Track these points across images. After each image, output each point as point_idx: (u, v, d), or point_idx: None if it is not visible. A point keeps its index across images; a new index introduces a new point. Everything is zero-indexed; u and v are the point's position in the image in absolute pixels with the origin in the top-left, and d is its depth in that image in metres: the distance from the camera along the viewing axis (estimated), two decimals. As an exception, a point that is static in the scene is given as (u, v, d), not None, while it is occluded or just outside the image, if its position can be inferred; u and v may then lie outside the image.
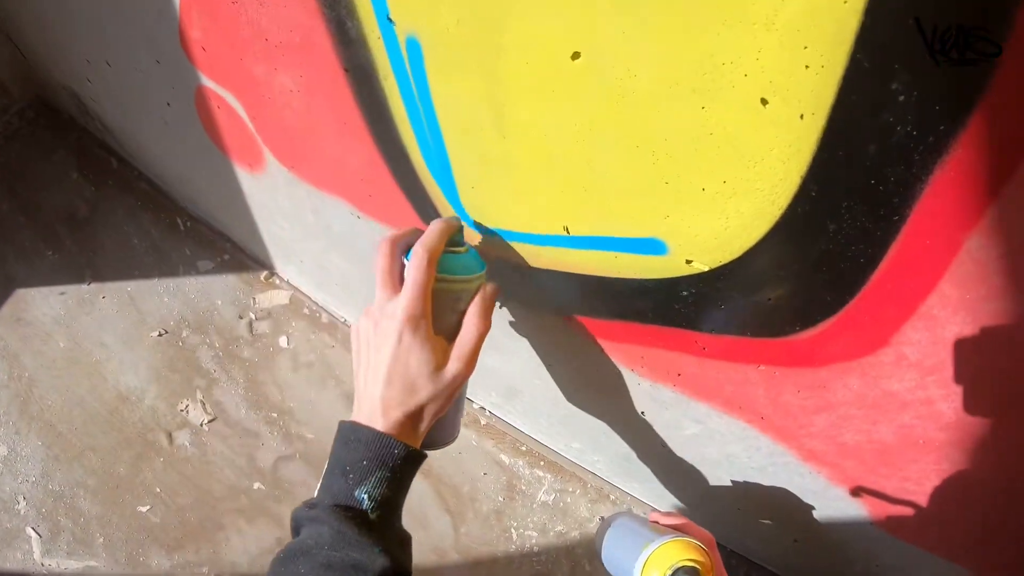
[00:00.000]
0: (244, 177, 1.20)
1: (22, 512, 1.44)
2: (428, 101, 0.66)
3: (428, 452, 0.71)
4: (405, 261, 0.66)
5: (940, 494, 0.79)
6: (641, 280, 0.70)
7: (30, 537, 1.43)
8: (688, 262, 0.63)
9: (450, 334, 0.68)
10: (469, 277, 0.68)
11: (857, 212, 0.49)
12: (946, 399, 0.64)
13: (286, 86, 0.82)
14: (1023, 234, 0.46)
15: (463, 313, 0.68)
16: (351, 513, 0.60)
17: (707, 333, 0.73)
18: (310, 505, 0.63)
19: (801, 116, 0.44)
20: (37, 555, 1.42)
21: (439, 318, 0.67)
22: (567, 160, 0.60)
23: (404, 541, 0.66)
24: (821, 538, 1.10)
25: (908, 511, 0.86)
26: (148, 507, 1.45)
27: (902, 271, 0.53)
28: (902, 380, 0.65)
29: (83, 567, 1.41)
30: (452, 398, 0.68)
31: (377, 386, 0.65)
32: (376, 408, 0.64)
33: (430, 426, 0.68)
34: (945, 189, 0.45)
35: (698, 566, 0.70)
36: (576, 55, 0.50)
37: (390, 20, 0.59)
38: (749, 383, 0.78)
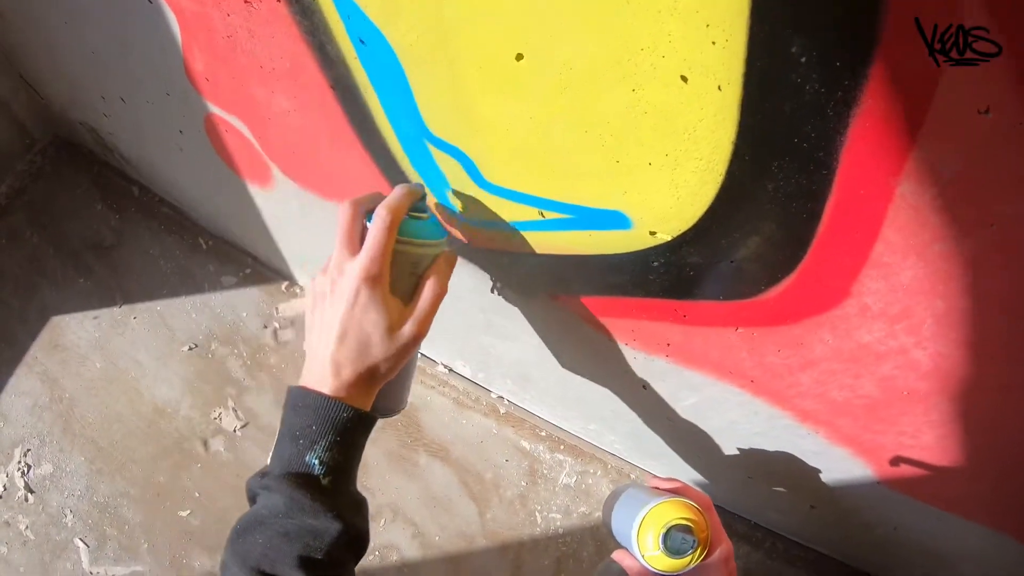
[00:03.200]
0: (256, 193, 1.26)
1: (69, 524, 1.51)
2: (414, 108, 0.70)
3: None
4: (368, 224, 0.65)
5: (939, 447, 0.80)
6: (615, 255, 0.73)
7: (78, 547, 1.49)
8: (652, 233, 0.67)
9: (407, 297, 0.67)
10: (430, 242, 0.68)
11: (789, 170, 0.53)
12: (919, 346, 0.65)
13: (283, 107, 0.87)
14: (948, 175, 0.48)
15: (421, 277, 0.68)
16: (303, 479, 0.60)
17: (684, 300, 0.77)
18: (262, 474, 0.63)
19: (719, 87, 0.48)
20: (86, 564, 1.48)
21: (397, 281, 0.66)
22: (531, 150, 0.64)
23: (359, 505, 0.66)
24: (836, 503, 1.11)
25: (911, 467, 0.87)
26: (188, 512, 1.52)
27: (844, 222, 0.55)
28: (871, 330, 0.66)
29: (129, 572, 1.47)
30: (404, 360, 0.67)
31: (330, 345, 0.63)
32: (327, 368, 0.63)
33: (379, 388, 0.67)
34: (864, 138, 0.47)
35: (691, 524, 0.73)
36: (519, 56, 0.54)
37: (362, 41, 0.64)
38: (732, 347, 0.81)
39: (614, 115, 0.55)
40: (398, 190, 0.66)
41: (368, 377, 0.65)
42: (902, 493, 0.97)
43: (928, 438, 0.79)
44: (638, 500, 0.79)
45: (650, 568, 0.74)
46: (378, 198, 0.66)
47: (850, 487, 1.02)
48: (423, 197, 0.68)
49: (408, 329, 0.65)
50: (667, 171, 0.58)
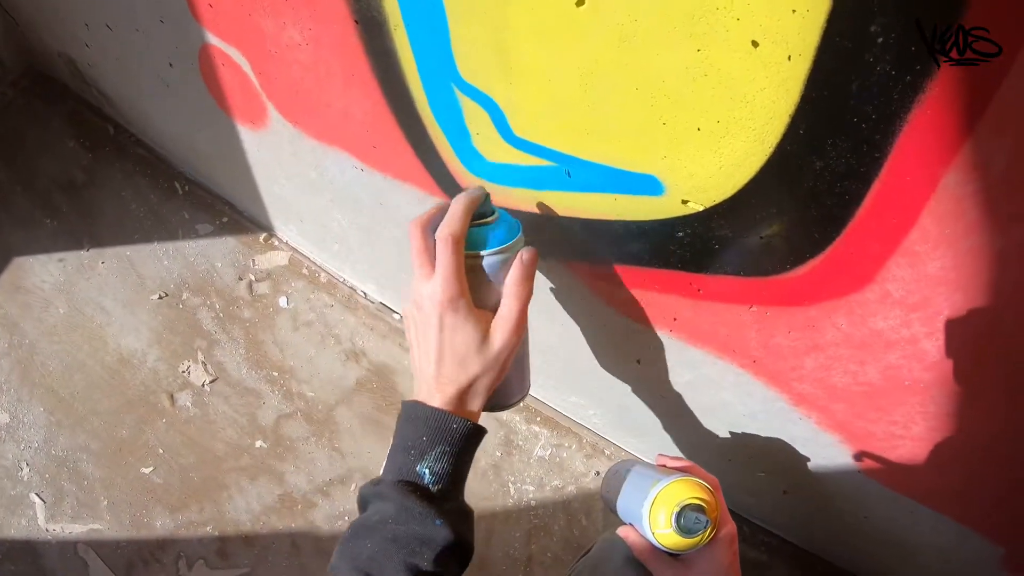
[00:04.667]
0: (246, 135, 1.21)
1: (26, 478, 1.46)
2: (448, 49, 0.67)
3: (503, 412, 0.74)
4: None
5: (927, 439, 0.81)
6: (639, 222, 0.72)
7: (34, 503, 1.45)
8: (684, 202, 0.65)
9: (494, 305, 0.69)
10: (500, 248, 0.68)
11: (841, 149, 0.52)
12: (930, 337, 0.66)
13: (295, 40, 0.83)
14: (996, 169, 0.48)
15: (503, 283, 0.69)
16: (413, 488, 0.63)
17: (702, 274, 0.75)
18: (375, 482, 0.66)
19: (789, 57, 0.47)
20: (41, 520, 1.44)
21: (480, 291, 0.68)
22: (570, 104, 0.62)
23: (467, 515, 0.68)
24: (811, 488, 1.12)
25: (896, 458, 0.88)
26: (151, 468, 1.48)
27: (885, 207, 0.55)
28: (887, 318, 0.66)
29: (87, 530, 1.43)
30: (505, 367, 0.69)
31: (430, 366, 0.67)
32: (432, 386, 0.67)
33: (487, 397, 0.69)
34: (923, 126, 0.47)
35: (704, 504, 0.72)
36: (581, 1, 0.52)
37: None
38: (742, 325, 0.80)
39: (672, 74, 0.53)
40: (456, 205, 0.66)
41: (471, 391, 0.68)
42: (881, 483, 0.98)
43: (919, 429, 0.80)
44: (648, 477, 0.78)
45: (658, 545, 0.74)
46: (442, 213, 0.68)
47: (831, 474, 1.03)
48: (486, 199, 0.69)
49: (498, 339, 0.67)
50: (715, 138, 0.56)
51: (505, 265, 0.69)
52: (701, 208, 0.65)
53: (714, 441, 1.16)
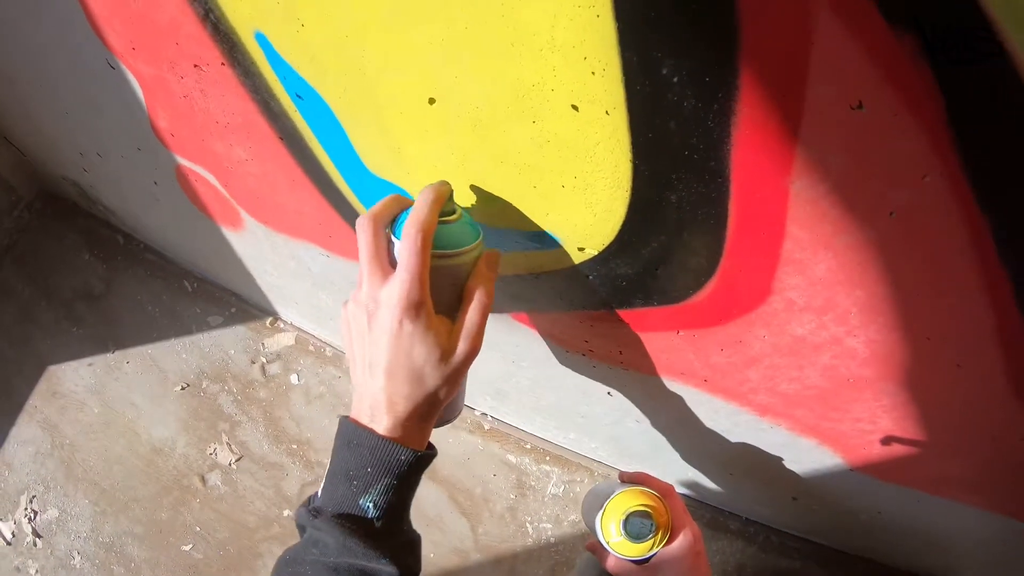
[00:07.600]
0: (231, 236, 1.30)
1: (78, 566, 1.56)
2: (352, 152, 0.73)
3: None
4: (393, 238, 0.59)
5: (897, 429, 0.81)
6: (553, 272, 0.77)
7: (88, 588, 1.53)
8: (581, 249, 0.70)
9: (451, 311, 0.61)
10: (467, 248, 0.61)
11: (687, 180, 0.55)
12: (851, 335, 0.66)
13: (241, 157, 0.91)
14: (836, 170, 0.49)
15: (463, 287, 0.62)
16: (355, 523, 0.57)
17: (624, 309, 0.80)
18: (313, 511, 0.59)
19: (607, 112, 0.51)
20: (96, 603, 1.52)
21: (438, 296, 0.59)
22: (459, 182, 0.67)
23: (412, 544, 0.62)
24: (815, 492, 1.13)
25: (878, 452, 0.88)
26: (191, 545, 1.56)
27: (750, 223, 0.57)
28: (803, 323, 0.68)
29: (138, 608, 1.51)
30: (461, 380, 0.62)
31: (378, 380, 0.58)
32: (380, 404, 0.58)
33: (437, 416, 0.62)
34: (748, 143, 0.49)
35: (648, 510, 0.77)
36: (432, 100, 0.58)
37: (299, 96, 0.68)
38: (678, 349, 0.83)
39: (522, 146, 0.58)
40: (425, 197, 0.58)
41: (426, 408, 0.60)
42: (875, 477, 0.98)
43: (885, 422, 0.81)
44: (603, 493, 0.83)
45: (617, 555, 0.79)
46: (396, 205, 0.61)
47: (825, 476, 1.03)
48: (451, 195, 0.61)
49: (461, 349, 0.60)
50: (579, 192, 0.61)
51: (468, 268, 0.62)
52: (596, 252, 0.69)
53: (706, 458, 1.18)
